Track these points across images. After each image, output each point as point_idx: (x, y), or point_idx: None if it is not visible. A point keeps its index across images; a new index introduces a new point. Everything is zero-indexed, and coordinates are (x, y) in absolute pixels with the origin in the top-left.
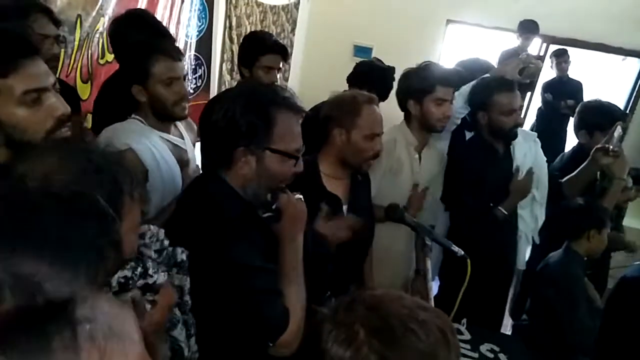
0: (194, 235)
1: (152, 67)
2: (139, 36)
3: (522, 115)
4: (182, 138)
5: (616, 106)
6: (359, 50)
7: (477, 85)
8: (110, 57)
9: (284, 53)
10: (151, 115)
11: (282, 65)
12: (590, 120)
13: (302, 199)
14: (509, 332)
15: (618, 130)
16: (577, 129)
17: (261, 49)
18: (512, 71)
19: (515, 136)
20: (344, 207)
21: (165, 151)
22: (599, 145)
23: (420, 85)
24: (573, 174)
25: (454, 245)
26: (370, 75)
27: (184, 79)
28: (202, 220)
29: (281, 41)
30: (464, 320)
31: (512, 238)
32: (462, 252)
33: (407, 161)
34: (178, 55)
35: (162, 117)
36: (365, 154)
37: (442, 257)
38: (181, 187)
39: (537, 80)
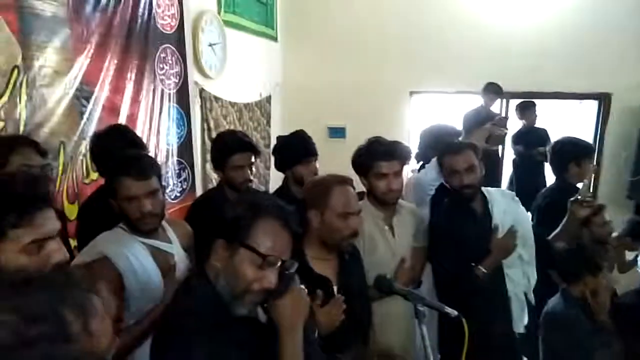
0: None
1: (117, 186)
2: (115, 149)
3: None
4: (170, 242)
5: (583, 139)
6: (333, 131)
7: (437, 153)
8: (94, 175)
9: (251, 149)
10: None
11: (254, 160)
12: (564, 154)
13: (305, 290)
14: None
15: (585, 183)
16: (557, 167)
17: (228, 151)
18: (480, 140)
19: (468, 196)
20: (335, 288)
21: (144, 257)
22: (572, 199)
23: (361, 162)
24: (557, 230)
25: (446, 307)
26: (279, 151)
27: (153, 195)
28: (176, 326)
29: (258, 134)
30: None
31: (500, 299)
32: (456, 313)
33: (379, 235)
34: (143, 173)
35: (134, 228)
36: (341, 233)
37: (438, 326)
38: (164, 292)
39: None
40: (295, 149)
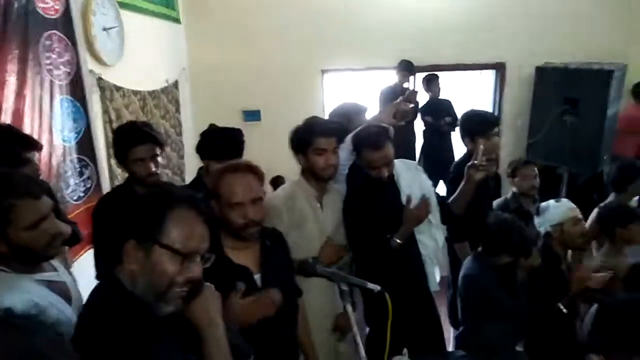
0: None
1: (11, 213)
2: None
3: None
4: (55, 269)
5: (488, 112)
6: (248, 114)
7: (353, 140)
8: None
9: (152, 140)
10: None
11: (158, 152)
12: (471, 128)
13: (212, 286)
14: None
15: (481, 147)
16: (463, 138)
17: (126, 143)
18: (388, 118)
19: (385, 181)
20: (256, 277)
21: (48, 295)
22: (469, 163)
23: (301, 139)
24: (456, 194)
25: (369, 284)
26: (205, 136)
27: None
28: (99, 335)
29: (167, 123)
30: (405, 351)
31: (417, 264)
32: (379, 288)
33: (310, 212)
34: (40, 191)
35: (33, 261)
36: (235, 223)
37: (363, 298)
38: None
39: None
40: (220, 144)
